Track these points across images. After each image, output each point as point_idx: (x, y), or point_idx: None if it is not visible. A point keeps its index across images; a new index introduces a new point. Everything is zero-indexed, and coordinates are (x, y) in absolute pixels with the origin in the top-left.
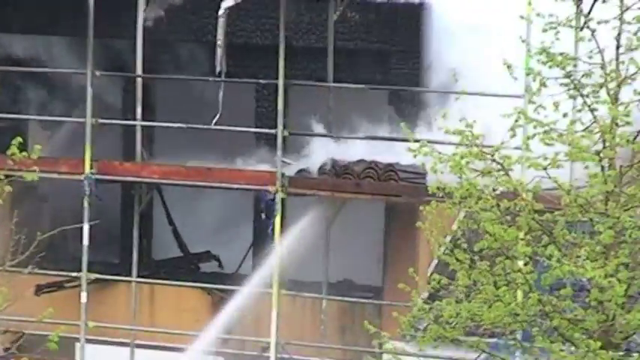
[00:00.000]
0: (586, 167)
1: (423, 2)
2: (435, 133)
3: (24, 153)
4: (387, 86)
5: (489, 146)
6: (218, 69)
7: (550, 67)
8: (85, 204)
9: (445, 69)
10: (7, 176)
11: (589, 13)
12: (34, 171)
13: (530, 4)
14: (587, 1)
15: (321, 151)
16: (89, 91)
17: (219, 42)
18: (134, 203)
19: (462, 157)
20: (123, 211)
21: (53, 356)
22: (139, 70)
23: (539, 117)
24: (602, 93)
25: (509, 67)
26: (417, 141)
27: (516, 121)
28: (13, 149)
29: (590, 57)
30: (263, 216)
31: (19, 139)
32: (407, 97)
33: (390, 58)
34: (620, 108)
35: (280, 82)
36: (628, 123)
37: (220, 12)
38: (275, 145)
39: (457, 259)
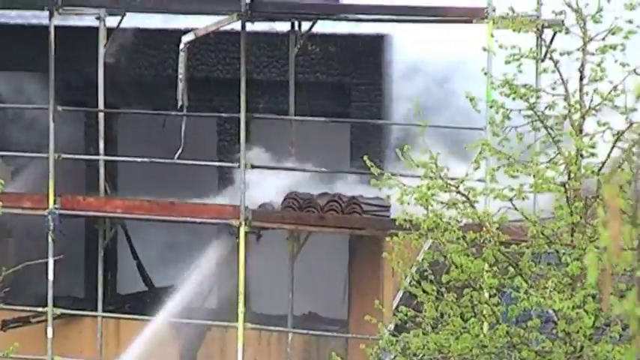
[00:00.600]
0: (556, 199)
1: (384, 35)
2: (398, 166)
3: None
4: (348, 119)
5: (454, 178)
6: (180, 103)
7: (513, 99)
8: (49, 239)
9: (407, 102)
10: None
11: (551, 44)
12: None
13: (492, 35)
14: (548, 32)
15: (283, 183)
16: (51, 126)
17: (180, 76)
18: (98, 238)
19: (427, 189)
20: (87, 246)
21: None
22: (101, 105)
23: (503, 149)
24: (566, 124)
25: (471, 99)
26: (381, 174)
27: (480, 152)
28: None
29: (553, 88)
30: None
31: None
32: (369, 130)
33: (352, 90)
34: (585, 139)
35: (242, 115)
36: (593, 154)
37: (181, 46)
38: (237, 178)
39: (424, 291)
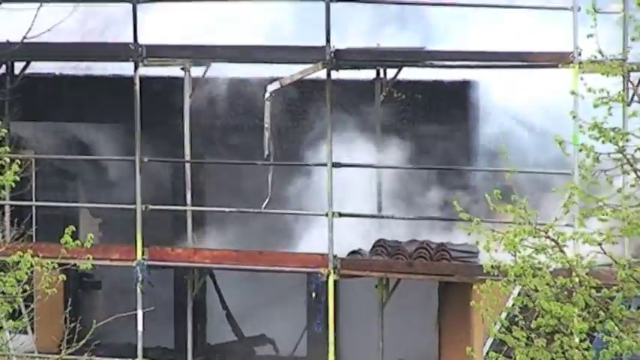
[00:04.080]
0: None
1: (469, 80)
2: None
3: (77, 242)
4: (434, 166)
5: (542, 223)
6: (266, 152)
7: (603, 142)
8: (138, 290)
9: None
10: (60, 265)
11: (638, 86)
12: (88, 259)
13: (581, 79)
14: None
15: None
16: (138, 177)
17: (266, 125)
18: (187, 288)
19: (515, 235)
20: (176, 296)
21: None
22: (187, 156)
23: (592, 192)
24: None
25: (561, 143)
26: (470, 220)
27: (569, 197)
28: (67, 238)
29: None
30: (314, 297)
31: (72, 227)
32: (459, 186)
33: (438, 138)
34: None
35: (329, 164)
36: None
37: (266, 95)
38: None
39: (514, 337)
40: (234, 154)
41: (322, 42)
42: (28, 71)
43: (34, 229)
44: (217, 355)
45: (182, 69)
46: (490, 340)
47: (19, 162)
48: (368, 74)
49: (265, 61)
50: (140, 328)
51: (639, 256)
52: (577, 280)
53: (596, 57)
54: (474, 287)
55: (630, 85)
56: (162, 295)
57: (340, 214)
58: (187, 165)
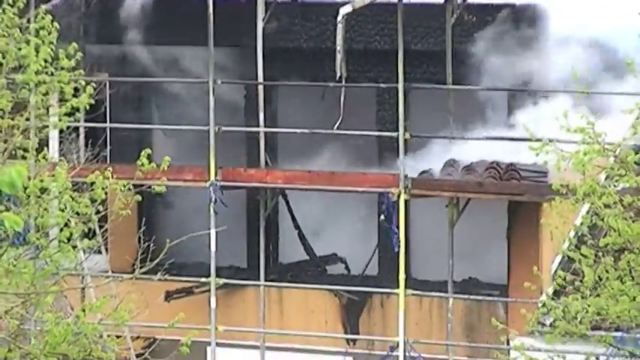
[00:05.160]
0: None
1: (537, 4)
2: (554, 132)
3: (152, 164)
4: (504, 88)
5: (611, 143)
6: (338, 74)
7: None
8: (211, 211)
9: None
10: (135, 186)
11: None
12: (162, 182)
13: None
14: None
15: (443, 152)
16: (211, 99)
17: (338, 48)
18: (259, 209)
19: (584, 154)
20: (249, 217)
21: None
22: (260, 78)
23: None
24: None
25: (629, 64)
26: (539, 140)
27: (638, 118)
28: (143, 160)
29: None
30: (382, 218)
31: (148, 150)
32: (528, 99)
33: (505, 68)
34: None
35: (400, 85)
36: None
37: (339, 18)
38: (397, 147)
39: (582, 255)
40: (307, 77)
41: None
42: None
43: (108, 150)
44: (289, 274)
45: None
46: (559, 258)
47: (94, 84)
48: None
49: None
50: (213, 247)
51: None
52: None
53: None
54: (544, 206)
55: None
56: (235, 216)
57: (412, 135)
58: (260, 87)
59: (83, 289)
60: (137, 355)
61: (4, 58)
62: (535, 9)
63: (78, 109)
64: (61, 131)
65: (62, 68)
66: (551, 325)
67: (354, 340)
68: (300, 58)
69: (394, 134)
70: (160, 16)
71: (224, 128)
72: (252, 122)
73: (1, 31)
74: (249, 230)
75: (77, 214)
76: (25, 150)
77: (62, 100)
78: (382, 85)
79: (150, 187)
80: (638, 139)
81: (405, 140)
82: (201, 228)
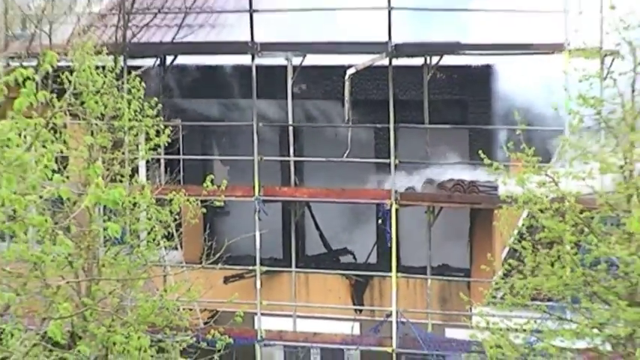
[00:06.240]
0: (617, 182)
1: (491, 64)
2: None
3: (213, 185)
4: (467, 126)
5: (544, 165)
6: (346, 118)
7: (586, 107)
8: (256, 218)
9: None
10: (201, 201)
11: (610, 66)
12: (220, 198)
13: (569, 62)
14: (609, 58)
15: (422, 173)
16: (255, 137)
17: (346, 99)
18: (291, 216)
19: (523, 174)
20: (283, 222)
21: (239, 326)
22: (290, 121)
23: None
24: (623, 124)
25: (555, 108)
26: (491, 164)
27: (562, 147)
28: (207, 182)
29: (613, 99)
30: (379, 222)
31: (211, 176)
32: (482, 133)
33: (469, 105)
34: (637, 134)
35: (391, 125)
36: None
37: (346, 77)
38: (389, 170)
39: (523, 247)
40: (324, 120)
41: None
42: (176, 62)
43: (181, 175)
44: (313, 263)
45: (286, 59)
46: (506, 249)
47: (170, 127)
48: (418, 61)
49: (345, 53)
50: (258, 244)
51: (612, 188)
52: (568, 204)
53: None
54: (495, 212)
55: (605, 66)
56: (273, 221)
57: (400, 161)
58: (290, 128)
59: (165, 276)
60: (204, 323)
61: (105, 108)
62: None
63: (159, 146)
64: (147, 162)
65: (147, 116)
66: (501, 297)
67: (360, 310)
68: (319, 106)
69: (387, 161)
70: (218, 77)
71: (265, 158)
72: (285, 153)
73: (104, 89)
74: (284, 231)
75: (160, 221)
76: (122, 176)
77: (148, 139)
78: (378, 125)
79: (212, 201)
80: (562, 163)
81: (395, 165)
82: (249, 230)
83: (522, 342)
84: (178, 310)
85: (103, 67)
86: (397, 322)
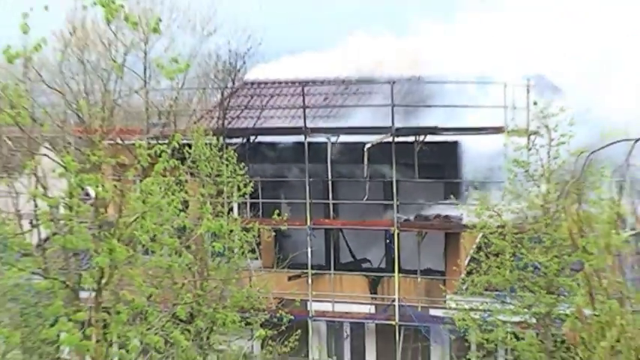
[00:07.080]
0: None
1: (457, 141)
2: (467, 201)
3: (280, 217)
4: (443, 180)
5: (494, 205)
6: (365, 174)
7: (518, 167)
8: (308, 239)
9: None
10: (273, 228)
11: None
12: (285, 226)
13: (508, 138)
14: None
15: (416, 210)
16: (307, 188)
17: (365, 164)
18: (330, 237)
19: (480, 209)
20: (325, 242)
21: (298, 308)
22: (330, 176)
23: (516, 190)
24: (543, 178)
25: (500, 168)
26: (457, 204)
27: (505, 193)
28: (275, 216)
29: (536, 162)
30: (387, 241)
31: (277, 211)
32: (450, 185)
33: (445, 167)
34: (550, 185)
35: (394, 180)
36: (556, 192)
37: (365, 149)
38: (393, 208)
39: (479, 256)
40: (351, 176)
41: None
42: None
43: (260, 211)
44: (345, 268)
45: (327, 138)
46: (468, 258)
47: (253, 182)
48: (410, 138)
49: (363, 134)
50: (309, 255)
51: (537, 217)
52: (506, 228)
53: (515, 127)
54: (461, 234)
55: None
56: (319, 241)
57: (401, 202)
58: (329, 183)
59: (250, 277)
60: (275, 307)
61: (212, 170)
62: (456, 143)
63: (246, 193)
64: (238, 204)
65: (238, 174)
66: (466, 289)
67: (375, 298)
68: (348, 169)
69: (392, 202)
70: (283, 149)
71: (313, 201)
72: (326, 197)
73: (211, 158)
74: (326, 247)
75: (246, 241)
76: (222, 212)
77: (238, 189)
78: (385, 179)
79: (279, 228)
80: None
81: (397, 205)
82: (304, 247)
83: (479, 317)
84: (259, 298)
85: (210, 144)
86: (398, 305)
